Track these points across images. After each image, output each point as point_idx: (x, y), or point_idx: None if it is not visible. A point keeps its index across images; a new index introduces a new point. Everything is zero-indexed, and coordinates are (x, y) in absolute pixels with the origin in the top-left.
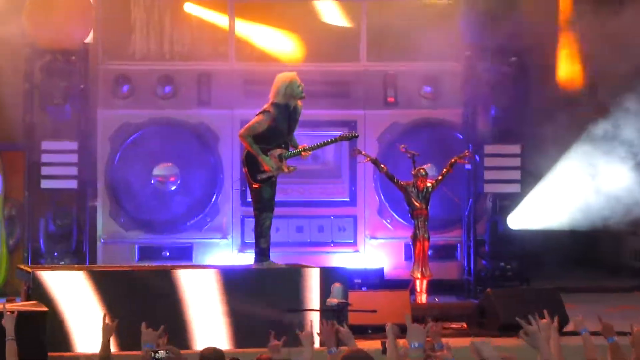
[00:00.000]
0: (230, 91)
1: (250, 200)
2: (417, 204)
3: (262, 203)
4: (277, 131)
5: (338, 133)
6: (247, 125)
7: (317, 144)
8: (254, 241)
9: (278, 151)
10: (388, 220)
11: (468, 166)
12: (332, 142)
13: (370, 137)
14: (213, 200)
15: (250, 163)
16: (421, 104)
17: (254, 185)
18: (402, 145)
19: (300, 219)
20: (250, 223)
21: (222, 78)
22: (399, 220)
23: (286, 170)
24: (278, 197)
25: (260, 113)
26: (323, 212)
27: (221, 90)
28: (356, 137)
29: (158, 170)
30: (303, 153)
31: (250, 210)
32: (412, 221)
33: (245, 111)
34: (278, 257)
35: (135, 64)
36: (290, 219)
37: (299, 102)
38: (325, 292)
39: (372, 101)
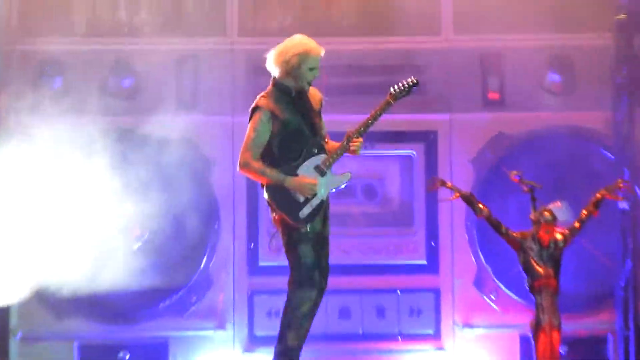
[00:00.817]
0: (230, 85)
1: (262, 263)
2: (539, 269)
3: (300, 270)
4: (293, 134)
5: (404, 151)
6: (243, 145)
7: (366, 121)
8: (275, 333)
9: (312, 162)
10: (492, 296)
11: (624, 205)
12: (384, 108)
13: (459, 157)
14: (202, 265)
15: (279, 198)
16: (543, 102)
17: (292, 235)
18: (514, 172)
19: (346, 294)
20: (264, 302)
21: (217, 64)
22: (509, 296)
23: (339, 181)
24: None
25: (253, 113)
26: (383, 283)
27: (215, 84)
28: (416, 85)
29: None
30: (351, 146)
31: (263, 281)
32: (532, 297)
33: None
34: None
35: (72, 43)
36: (329, 296)
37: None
38: None
39: (463, 98)
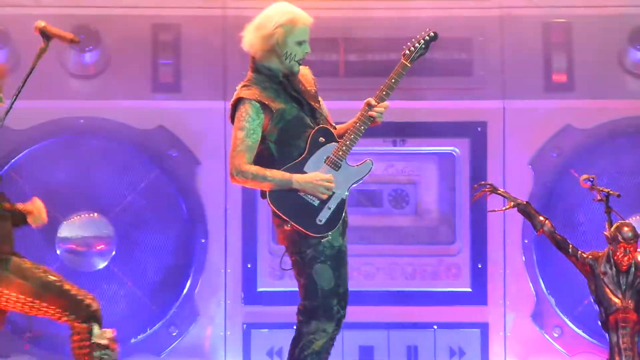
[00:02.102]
0: (220, 62)
1: (261, 289)
2: (615, 300)
3: (315, 297)
4: (292, 125)
5: (444, 148)
6: (231, 150)
7: (388, 82)
8: None
9: (321, 154)
10: (555, 334)
11: None
12: (400, 73)
13: (515, 156)
14: (185, 290)
15: (288, 206)
16: (624, 86)
17: (305, 253)
18: (585, 176)
19: (369, 329)
20: (263, 338)
21: (203, 34)
22: (577, 334)
23: (360, 173)
24: None
25: (236, 108)
26: (416, 315)
27: (201, 61)
28: (435, 38)
29: (67, 230)
30: (371, 114)
31: (263, 311)
32: (607, 335)
33: None
34: None
35: (18, 6)
36: (347, 330)
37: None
38: None
39: (520, 81)
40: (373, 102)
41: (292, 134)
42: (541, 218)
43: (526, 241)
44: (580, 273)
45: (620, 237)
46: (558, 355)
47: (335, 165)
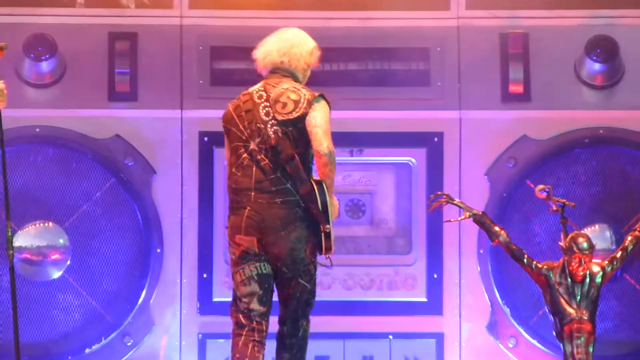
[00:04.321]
0: (177, 72)
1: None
2: (570, 310)
3: (313, 300)
4: None
5: (401, 159)
6: (325, 132)
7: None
8: None
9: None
10: (510, 344)
11: None
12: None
13: (471, 166)
14: (140, 300)
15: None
16: (580, 97)
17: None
18: (541, 186)
19: (325, 339)
20: (219, 348)
21: (159, 43)
22: (532, 344)
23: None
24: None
25: (317, 102)
26: (372, 325)
27: (158, 70)
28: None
29: (22, 240)
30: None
31: (219, 321)
32: (562, 346)
33: (212, 111)
34: None
35: None
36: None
37: None
38: None
39: (477, 92)
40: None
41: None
42: (497, 228)
43: (482, 251)
44: (535, 283)
45: (575, 248)
46: None
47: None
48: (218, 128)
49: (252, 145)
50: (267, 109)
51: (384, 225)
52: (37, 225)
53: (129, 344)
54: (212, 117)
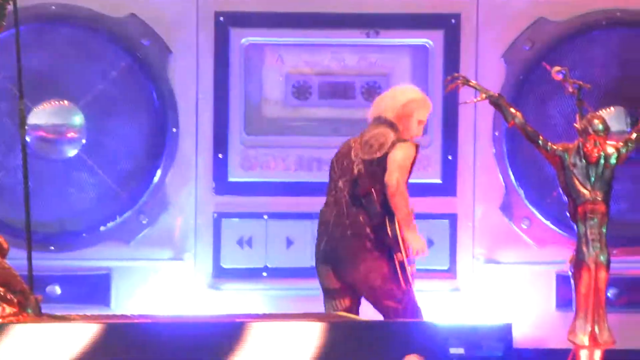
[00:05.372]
0: None
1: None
2: (584, 191)
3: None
4: None
5: (417, 40)
6: (396, 159)
7: None
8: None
9: None
10: (524, 225)
11: None
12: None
13: (488, 49)
14: (156, 179)
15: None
16: None
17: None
18: (557, 68)
19: None
20: (234, 227)
21: None
22: (545, 225)
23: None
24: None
25: (402, 142)
26: None
27: None
28: None
29: (37, 117)
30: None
31: (234, 201)
32: (575, 227)
33: None
34: (290, 298)
35: None
36: (307, 221)
37: None
38: None
39: None
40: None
41: None
42: (513, 110)
43: (497, 133)
44: (550, 165)
45: (590, 129)
46: (526, 247)
47: None
48: (234, 8)
49: (340, 183)
50: (357, 150)
51: None
52: (52, 103)
53: (144, 222)
54: None
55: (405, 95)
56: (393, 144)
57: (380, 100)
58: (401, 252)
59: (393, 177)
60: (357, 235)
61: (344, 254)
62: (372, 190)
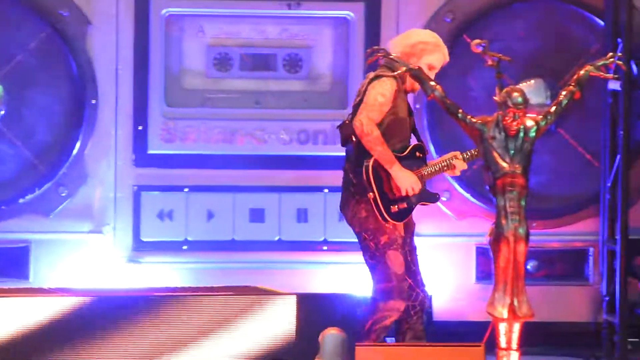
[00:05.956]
0: None
1: (152, 151)
2: (503, 164)
3: (388, 279)
4: (400, 123)
5: (338, 12)
6: (366, 100)
7: (477, 153)
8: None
9: (411, 164)
10: (444, 197)
11: (614, 85)
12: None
13: (408, 21)
14: (75, 151)
15: (376, 180)
16: None
17: (379, 239)
18: (477, 41)
19: (260, 193)
20: (154, 200)
21: None
22: (465, 198)
23: (430, 199)
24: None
25: (379, 79)
26: (307, 179)
27: None
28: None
29: None
30: (454, 163)
31: (154, 173)
32: (494, 199)
33: None
34: (210, 271)
35: None
36: (239, 194)
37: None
38: (307, 347)
39: None
40: (459, 157)
41: (395, 130)
42: (432, 83)
43: (418, 106)
44: (469, 137)
45: (509, 102)
46: (446, 219)
47: (420, 180)
48: None
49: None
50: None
51: (321, 80)
52: None
53: (63, 194)
54: None
55: (417, 36)
56: (369, 84)
57: (392, 40)
58: (373, 192)
59: (358, 119)
60: (345, 182)
61: (340, 205)
62: (352, 137)
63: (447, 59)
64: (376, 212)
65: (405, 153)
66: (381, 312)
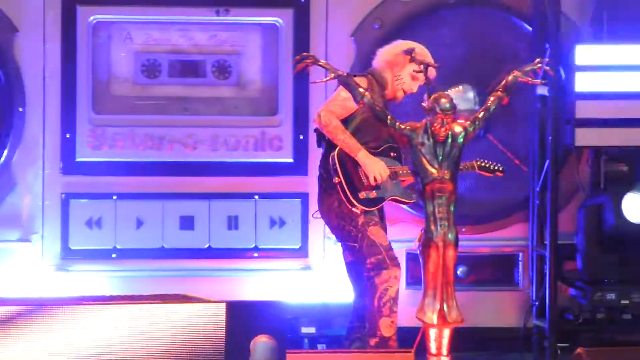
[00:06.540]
0: None
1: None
2: (432, 170)
3: (379, 252)
4: (374, 124)
5: (267, 19)
6: (329, 101)
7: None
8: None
9: (387, 162)
10: None
11: (542, 90)
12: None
13: (337, 28)
14: (2, 159)
15: (344, 171)
16: None
17: (357, 220)
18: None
19: (190, 200)
20: (83, 208)
21: None
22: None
23: (404, 196)
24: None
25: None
26: (237, 186)
27: None
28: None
29: None
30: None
31: (82, 181)
32: (423, 205)
33: None
34: (140, 279)
35: None
36: (168, 201)
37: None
38: (238, 355)
39: None
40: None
41: (368, 129)
42: (361, 90)
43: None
44: (398, 144)
45: (437, 108)
46: None
47: (392, 176)
48: None
49: None
50: None
51: (250, 87)
52: None
53: None
54: None
55: (403, 46)
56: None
57: (379, 50)
58: (338, 176)
59: (317, 112)
60: (318, 182)
61: (318, 206)
62: (324, 137)
63: (433, 70)
64: (342, 197)
65: (378, 150)
66: (380, 286)
